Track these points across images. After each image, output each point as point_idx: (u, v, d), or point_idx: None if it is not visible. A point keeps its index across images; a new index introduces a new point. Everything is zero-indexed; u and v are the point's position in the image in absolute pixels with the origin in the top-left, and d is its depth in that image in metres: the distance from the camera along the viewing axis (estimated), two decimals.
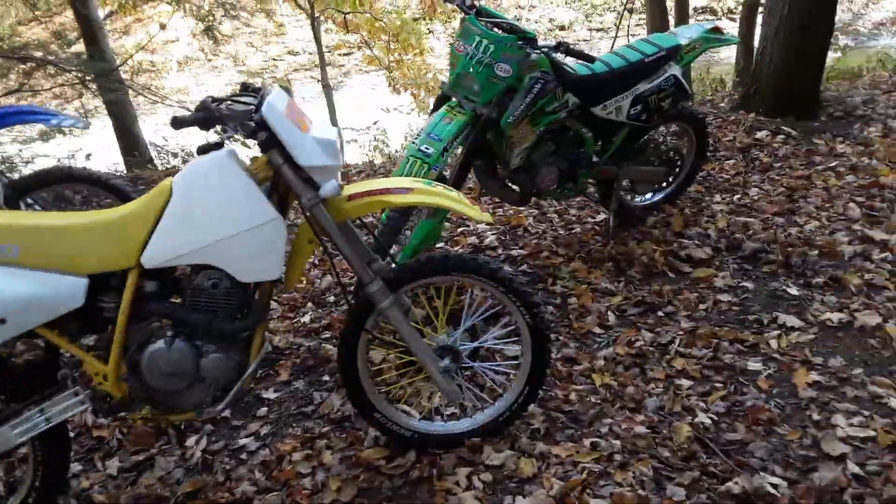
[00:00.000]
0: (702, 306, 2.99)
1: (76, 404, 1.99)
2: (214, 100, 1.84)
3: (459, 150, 2.94)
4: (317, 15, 10.20)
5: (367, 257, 2.17)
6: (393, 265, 2.23)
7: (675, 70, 3.24)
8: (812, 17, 4.64)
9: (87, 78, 5.53)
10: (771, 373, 2.55)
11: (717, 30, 3.42)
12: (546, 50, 2.84)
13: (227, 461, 2.38)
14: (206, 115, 1.76)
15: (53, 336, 1.92)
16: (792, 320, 2.83)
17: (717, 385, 2.50)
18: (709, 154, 4.49)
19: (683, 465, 2.14)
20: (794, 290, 3.03)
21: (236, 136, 1.88)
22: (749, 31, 7.25)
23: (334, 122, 9.76)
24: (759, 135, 4.70)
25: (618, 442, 2.24)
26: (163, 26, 13.81)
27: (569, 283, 3.23)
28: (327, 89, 10.13)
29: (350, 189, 2.06)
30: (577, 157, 3.21)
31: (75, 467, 2.41)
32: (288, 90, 2.04)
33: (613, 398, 2.48)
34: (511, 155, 3.01)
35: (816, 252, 3.29)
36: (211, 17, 6.88)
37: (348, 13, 10.90)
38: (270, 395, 2.68)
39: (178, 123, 1.74)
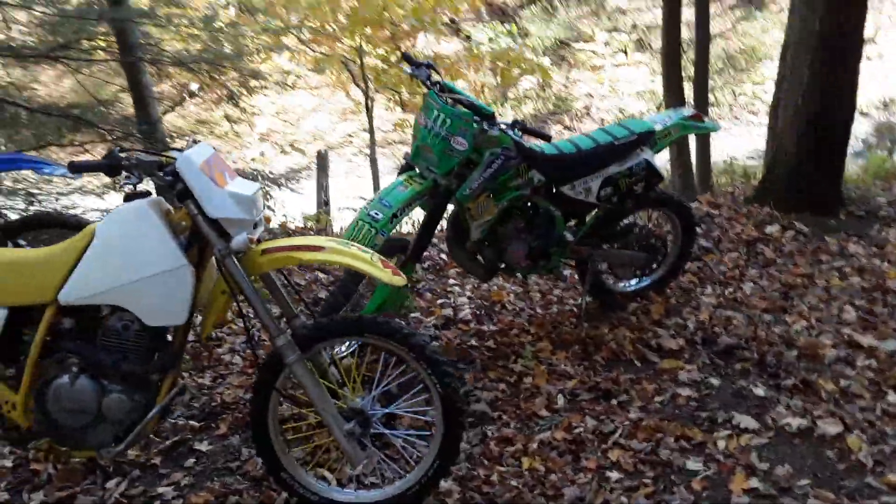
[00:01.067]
0: (658, 398, 2.88)
1: None
2: (122, 150, 1.97)
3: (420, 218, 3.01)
4: (371, 96, 10.67)
5: (289, 313, 2.21)
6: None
7: (647, 154, 3.24)
8: (829, 109, 4.54)
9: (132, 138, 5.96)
10: (709, 475, 2.41)
11: (696, 117, 3.41)
12: (502, 127, 2.90)
13: None
14: (109, 161, 1.89)
15: None
16: (748, 422, 2.68)
17: (647, 481, 2.37)
18: (711, 245, 4.41)
19: None
20: (760, 391, 2.88)
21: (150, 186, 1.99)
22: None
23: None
24: (768, 229, 4.57)
25: None
26: (192, 94, 14.52)
27: (530, 362, 3.17)
28: (374, 163, 10.51)
29: (266, 244, 2.13)
30: (546, 234, 3.21)
31: (2, 496, 2.47)
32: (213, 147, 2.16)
33: (535, 484, 2.39)
34: (471, 227, 3.04)
35: (795, 353, 3.13)
36: (239, 91, 7.35)
37: (401, 92, 11.37)
38: (203, 447, 2.70)
39: (75, 168, 1.87)
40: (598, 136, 3.24)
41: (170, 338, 2.15)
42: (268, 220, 2.30)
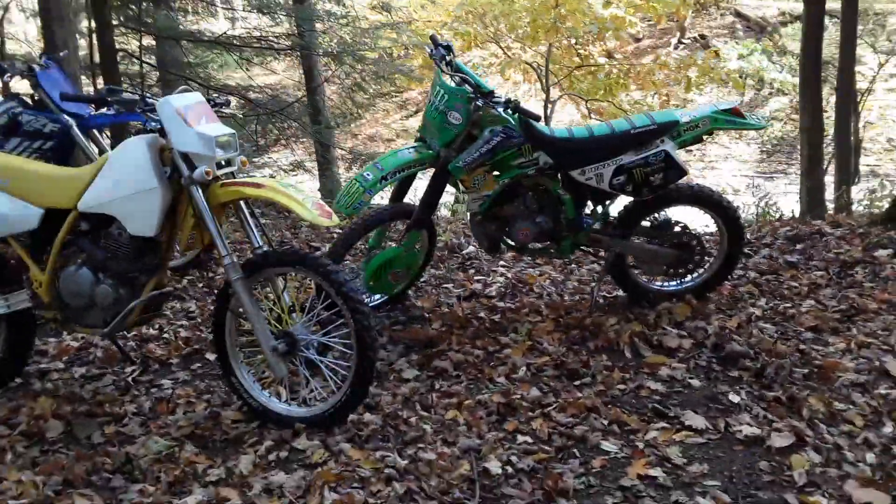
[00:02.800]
0: (620, 386, 2.80)
1: (25, 300, 2.75)
2: (112, 89, 2.49)
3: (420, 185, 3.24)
4: (550, 103, 10.84)
5: (253, 244, 2.61)
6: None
7: (667, 146, 3.12)
8: None
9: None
10: (617, 457, 2.35)
11: (734, 111, 3.19)
12: (492, 103, 3.03)
13: None
14: (98, 96, 2.42)
15: (17, 245, 2.71)
16: (698, 421, 2.53)
17: (548, 449, 2.39)
18: (798, 260, 4.02)
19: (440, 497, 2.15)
20: (735, 398, 2.68)
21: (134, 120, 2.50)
22: None
23: None
24: (877, 253, 4.03)
25: (404, 463, 2.31)
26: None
27: (520, 337, 3.24)
28: None
29: (227, 180, 2.54)
30: (554, 217, 3.25)
31: (59, 364, 3.18)
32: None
33: (442, 430, 2.52)
34: (467, 199, 3.20)
35: (807, 370, 2.83)
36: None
37: (588, 100, 11.37)
38: (210, 356, 3.20)
39: (65, 98, 2.42)
40: (617, 123, 3.21)
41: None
42: (245, 163, 2.69)
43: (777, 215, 5.24)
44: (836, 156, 5.30)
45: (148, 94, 2.57)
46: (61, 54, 4.12)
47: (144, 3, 6.42)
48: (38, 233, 2.68)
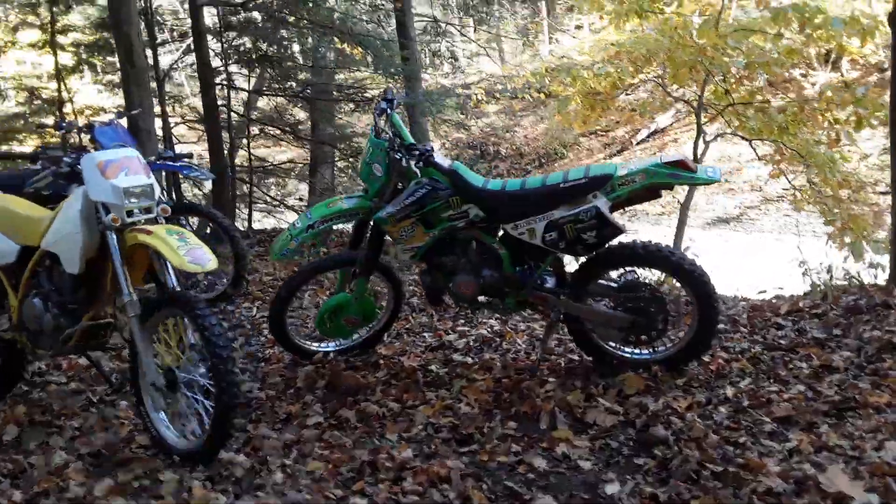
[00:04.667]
0: (503, 458, 2.59)
1: (6, 321, 3.26)
2: (46, 147, 2.88)
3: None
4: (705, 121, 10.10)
5: (159, 284, 2.87)
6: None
7: (599, 202, 2.85)
8: None
9: None
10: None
11: (679, 164, 2.80)
12: (406, 157, 2.99)
13: None
14: (31, 154, 2.83)
15: (3, 275, 3.23)
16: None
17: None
18: (825, 337, 3.39)
19: None
20: (613, 489, 2.36)
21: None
22: None
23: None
24: None
25: None
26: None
27: (447, 394, 3.13)
28: (683, 211, 9.93)
29: (138, 226, 2.81)
30: (489, 271, 3.11)
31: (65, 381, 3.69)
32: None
33: (292, 481, 2.53)
34: (399, 250, 3.18)
35: (722, 468, 2.40)
36: None
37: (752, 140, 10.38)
38: None
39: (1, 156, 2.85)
40: (552, 176, 3.00)
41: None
42: (165, 211, 2.96)
43: (853, 281, 4.38)
44: None
45: (71, 154, 2.94)
46: (133, 112, 4.84)
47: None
48: (14, 266, 3.18)
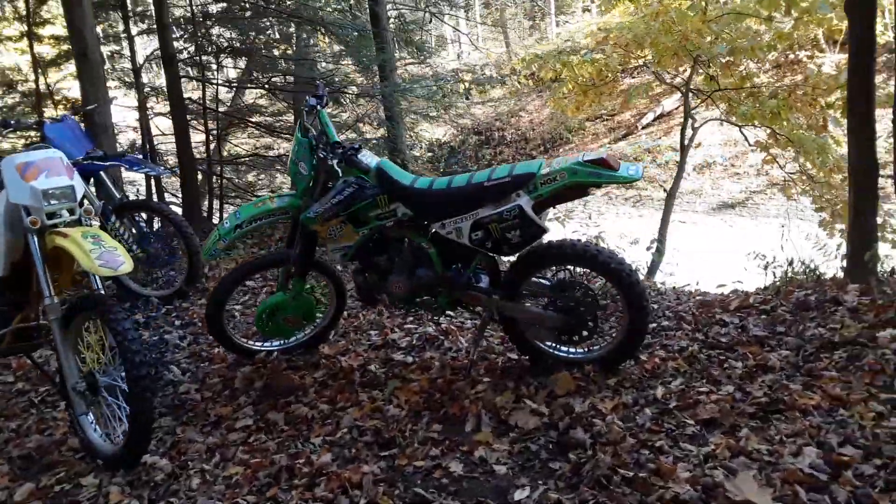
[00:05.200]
0: (420, 462, 2.58)
1: None
2: None
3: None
4: (691, 129, 9.99)
5: (94, 287, 2.86)
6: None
7: (521, 200, 2.81)
8: None
9: None
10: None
11: (599, 163, 2.75)
12: (330, 155, 2.96)
13: None
14: None
15: None
16: None
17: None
18: (767, 335, 3.35)
19: None
20: (521, 495, 2.34)
21: None
22: None
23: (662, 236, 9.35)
24: (882, 333, 3.18)
25: None
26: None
27: (380, 394, 3.12)
28: (669, 198, 9.84)
29: (59, 228, 2.80)
30: (421, 271, 3.09)
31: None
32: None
33: (205, 487, 2.53)
34: (329, 250, 3.15)
35: (633, 473, 2.37)
36: None
37: (741, 126, 10.24)
38: None
39: None
40: (478, 175, 2.96)
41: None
42: (88, 212, 2.95)
43: (809, 275, 4.30)
44: None
45: None
46: (89, 108, 4.82)
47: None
48: None
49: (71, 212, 2.84)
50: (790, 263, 4.59)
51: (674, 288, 4.85)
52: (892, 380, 2.83)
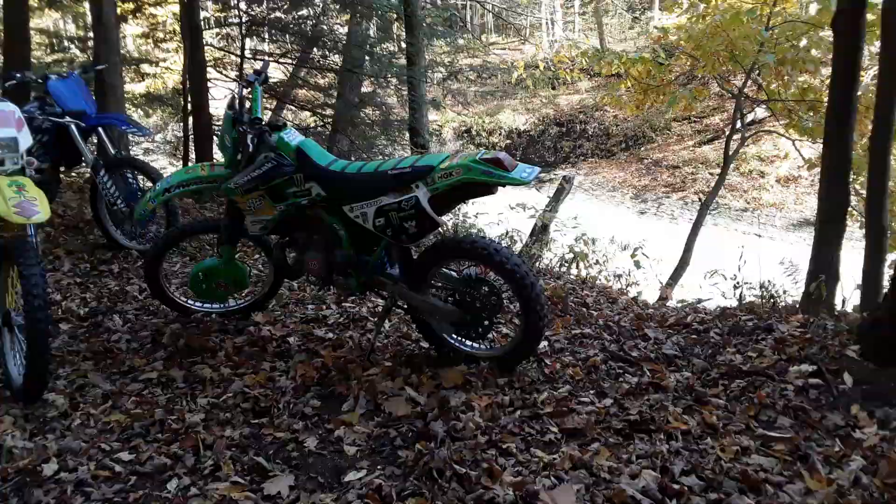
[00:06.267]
0: (280, 434, 2.69)
1: None
2: None
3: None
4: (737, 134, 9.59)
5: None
6: None
7: (419, 192, 2.84)
8: None
9: None
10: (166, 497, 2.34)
11: (494, 162, 2.73)
12: (248, 130, 3.07)
13: None
14: None
15: None
16: (278, 488, 2.36)
17: (117, 470, 2.46)
18: (680, 356, 3.28)
19: None
20: (349, 477, 2.42)
21: None
22: None
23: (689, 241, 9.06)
24: (792, 369, 3.05)
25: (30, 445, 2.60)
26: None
27: (285, 366, 3.24)
28: (703, 208, 9.51)
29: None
30: (333, 250, 3.18)
31: None
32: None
33: (81, 429, 2.72)
34: (248, 221, 3.28)
35: (463, 471, 2.40)
36: None
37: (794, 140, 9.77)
38: None
39: None
40: (387, 163, 3.01)
41: None
42: (30, 164, 3.17)
43: (765, 302, 4.10)
44: (867, 224, 3.63)
45: None
46: (99, 66, 5.11)
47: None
48: None
49: (13, 162, 3.08)
50: (762, 286, 4.42)
51: (634, 298, 4.76)
52: (777, 417, 2.74)
